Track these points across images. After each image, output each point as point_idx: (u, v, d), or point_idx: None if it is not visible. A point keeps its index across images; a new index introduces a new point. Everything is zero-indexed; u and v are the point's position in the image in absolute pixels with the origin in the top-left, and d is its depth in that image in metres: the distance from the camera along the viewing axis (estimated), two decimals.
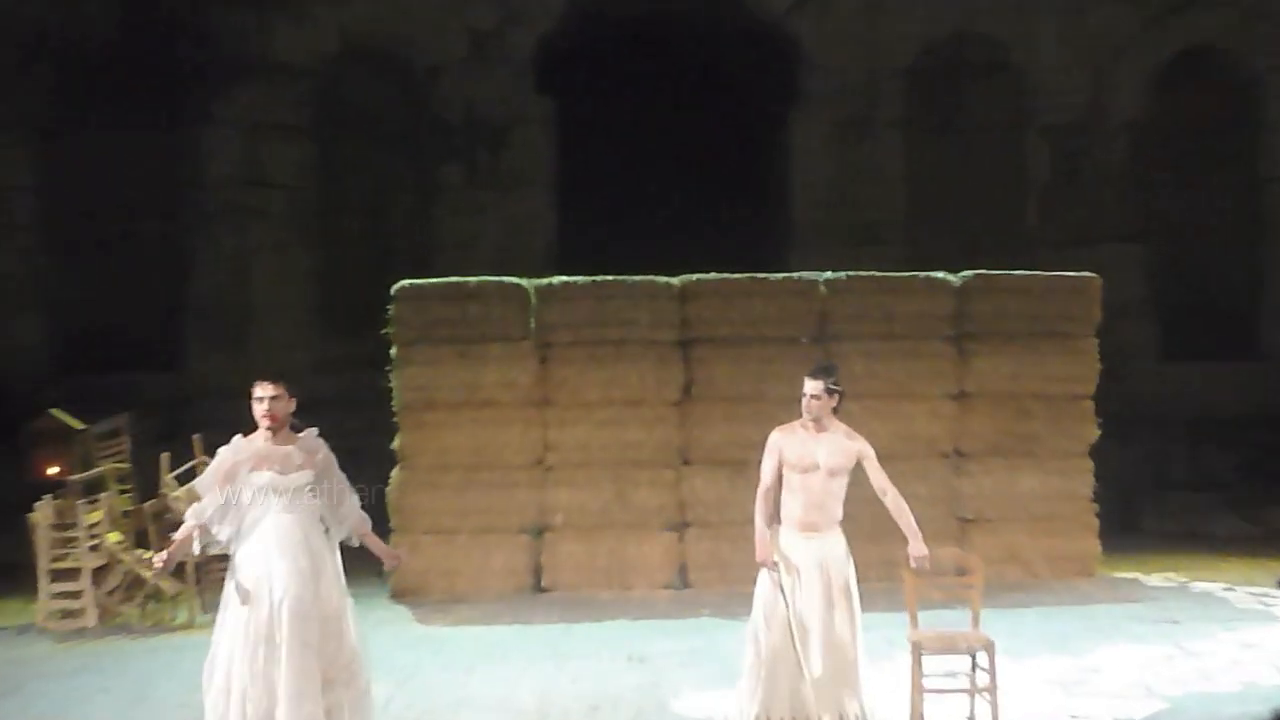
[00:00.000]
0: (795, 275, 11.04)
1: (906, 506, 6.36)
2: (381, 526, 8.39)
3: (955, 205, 15.28)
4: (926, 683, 6.65)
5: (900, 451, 10.00)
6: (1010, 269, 11.32)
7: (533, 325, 10.65)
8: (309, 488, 6.00)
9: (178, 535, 6.15)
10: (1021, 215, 15.37)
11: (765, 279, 10.80)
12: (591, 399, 10.63)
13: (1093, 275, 10.99)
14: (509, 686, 7.76)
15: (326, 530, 6.09)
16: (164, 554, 6.15)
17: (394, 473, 10.55)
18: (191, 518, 6.07)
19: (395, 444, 10.59)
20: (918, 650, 6.66)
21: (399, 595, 10.41)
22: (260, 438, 6.03)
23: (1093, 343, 10.90)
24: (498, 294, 10.65)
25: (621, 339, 10.66)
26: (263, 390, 6.01)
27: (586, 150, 15.05)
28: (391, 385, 10.61)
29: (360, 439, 8.95)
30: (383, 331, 10.64)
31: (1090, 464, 10.91)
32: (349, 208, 15.05)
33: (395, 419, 10.63)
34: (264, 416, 5.99)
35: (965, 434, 10.91)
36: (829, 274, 10.88)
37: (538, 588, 10.57)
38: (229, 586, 6.00)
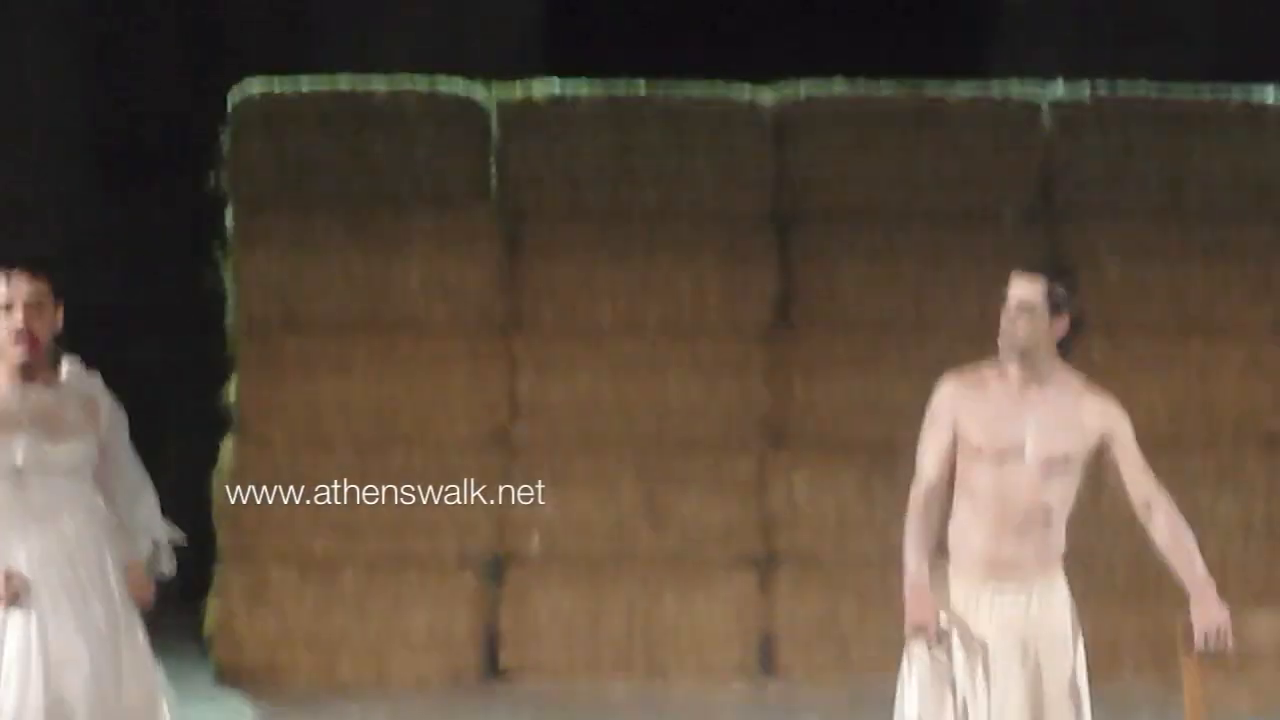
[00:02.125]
0: (997, 92, 11.23)
1: (1190, 535, 6.48)
2: (200, 549, 8.57)
3: None
4: None
5: (1188, 435, 10.40)
6: None
7: (494, 177, 10.91)
8: (90, 469, 6.15)
9: None
10: None
11: (940, 99, 11.01)
12: (603, 322, 10.88)
13: None
14: None
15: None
16: None
17: (224, 449, 10.81)
18: None
19: (228, 398, 10.83)
20: None
21: (230, 676, 10.63)
22: (1, 376, 6.14)
23: None
24: (427, 112, 10.84)
25: (662, 209, 10.89)
26: (10, 290, 6.14)
27: None
28: (223, 290, 10.84)
29: (159, 389, 8.99)
30: (203, 190, 10.86)
31: None
32: None
33: (228, 352, 10.86)
34: (15, 336, 6.01)
35: None
36: (1061, 90, 11.09)
37: (492, 671, 10.83)
38: None
